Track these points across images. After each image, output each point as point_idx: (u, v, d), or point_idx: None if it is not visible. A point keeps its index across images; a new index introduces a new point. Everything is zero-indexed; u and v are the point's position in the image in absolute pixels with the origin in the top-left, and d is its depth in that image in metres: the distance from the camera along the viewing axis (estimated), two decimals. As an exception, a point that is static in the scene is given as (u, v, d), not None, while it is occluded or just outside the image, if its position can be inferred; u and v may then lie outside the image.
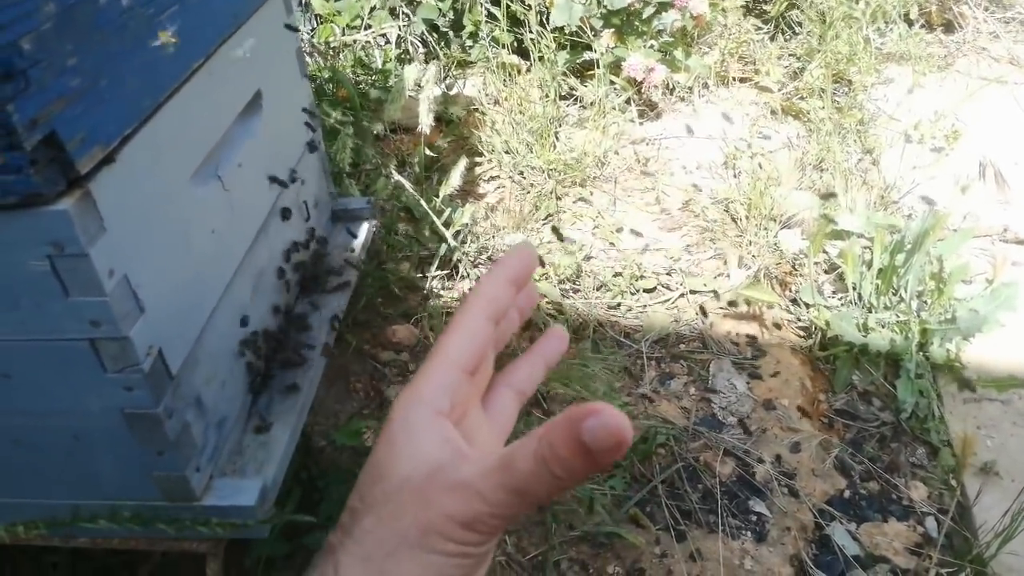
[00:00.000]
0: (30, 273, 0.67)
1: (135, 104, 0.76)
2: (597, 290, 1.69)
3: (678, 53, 2.26)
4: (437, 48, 2.36)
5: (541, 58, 2.23)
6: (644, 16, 2.21)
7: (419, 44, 2.38)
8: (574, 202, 1.95)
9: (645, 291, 1.70)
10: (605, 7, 2.19)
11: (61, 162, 0.65)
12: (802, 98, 2.33)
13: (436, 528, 0.33)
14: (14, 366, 0.74)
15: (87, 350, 0.72)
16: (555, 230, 1.67)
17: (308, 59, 2.21)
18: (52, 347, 0.72)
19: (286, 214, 1.15)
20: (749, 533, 1.24)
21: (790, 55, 2.55)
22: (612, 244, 1.82)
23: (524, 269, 0.41)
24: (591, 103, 2.21)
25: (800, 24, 2.59)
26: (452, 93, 2.25)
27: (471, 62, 2.38)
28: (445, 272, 1.69)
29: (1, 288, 0.69)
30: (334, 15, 2.39)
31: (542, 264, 1.69)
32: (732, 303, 1.66)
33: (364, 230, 1.39)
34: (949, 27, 2.74)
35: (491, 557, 0.37)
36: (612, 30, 2.22)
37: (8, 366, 0.74)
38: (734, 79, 2.42)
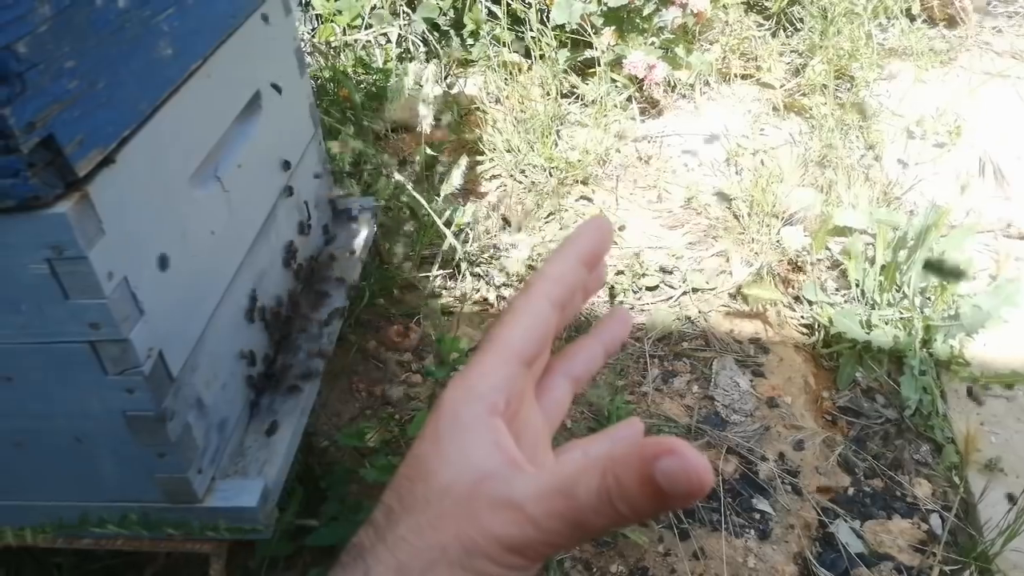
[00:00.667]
0: (30, 276, 0.67)
1: (133, 106, 0.76)
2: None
3: (679, 50, 2.26)
4: (438, 47, 2.35)
5: (542, 56, 2.23)
6: (645, 13, 2.21)
7: (420, 43, 2.38)
8: (576, 200, 1.95)
9: (647, 289, 1.69)
10: (605, 4, 2.19)
11: (59, 165, 0.65)
12: (804, 94, 2.32)
13: (480, 549, 0.30)
14: (16, 369, 0.74)
15: (88, 352, 0.72)
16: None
17: (309, 59, 2.21)
18: (53, 350, 0.72)
19: (303, 228, 1.15)
20: (753, 531, 1.24)
21: (792, 51, 2.54)
22: (614, 242, 1.81)
23: (599, 246, 0.37)
24: (592, 101, 2.21)
25: (802, 20, 2.58)
26: (453, 92, 2.25)
27: (472, 61, 2.38)
28: (447, 271, 1.69)
29: (2, 291, 0.69)
30: (335, 14, 2.39)
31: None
32: (735, 300, 1.66)
33: (365, 229, 1.39)
34: (951, 22, 2.73)
35: None
36: (613, 27, 2.21)
37: (10, 369, 0.74)
38: (736, 76, 2.41)
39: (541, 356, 0.38)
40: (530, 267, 1.68)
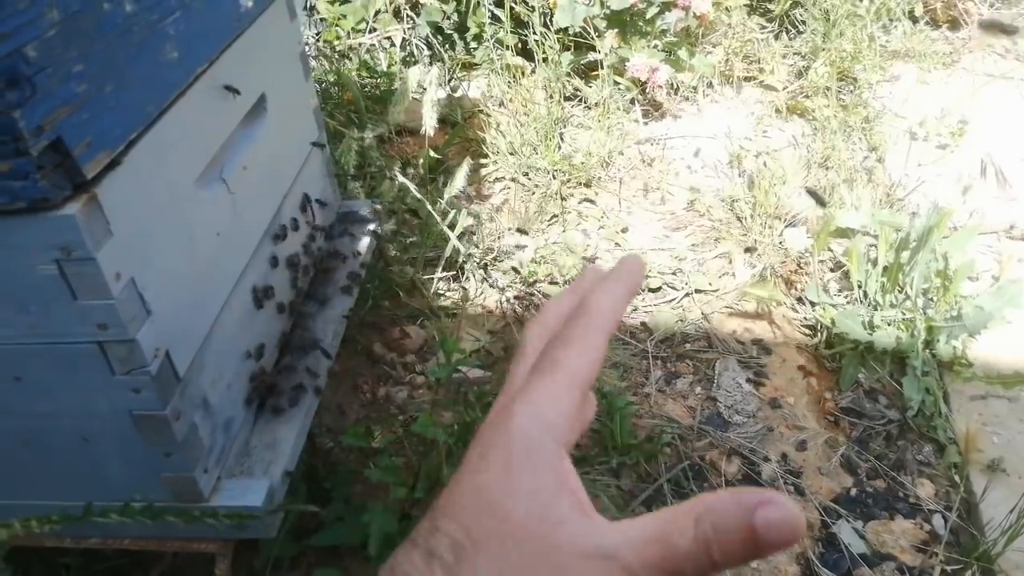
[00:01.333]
0: (39, 277, 0.68)
1: (140, 109, 0.77)
2: (602, 290, 1.69)
3: (682, 53, 2.26)
4: (441, 50, 2.36)
5: (545, 59, 2.23)
6: (648, 16, 2.22)
7: (424, 46, 2.39)
8: (579, 203, 1.96)
9: (650, 291, 1.70)
10: (608, 7, 2.19)
11: (67, 167, 0.65)
12: (807, 96, 2.33)
13: None
14: (25, 369, 0.75)
15: (95, 352, 0.73)
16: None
17: (313, 62, 2.22)
18: (61, 350, 0.73)
19: (307, 230, 1.16)
20: (755, 531, 1.24)
21: (795, 53, 2.55)
22: (617, 244, 1.82)
23: (637, 285, 0.38)
24: (595, 104, 2.21)
25: (804, 22, 2.59)
26: (456, 95, 2.26)
27: (475, 64, 2.39)
28: (450, 273, 1.69)
29: (11, 292, 0.70)
30: (339, 18, 2.40)
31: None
32: (738, 302, 1.66)
33: (369, 232, 1.39)
34: (954, 24, 2.73)
35: None
36: (616, 30, 2.22)
37: (19, 369, 0.75)
38: (739, 78, 2.42)
39: None
40: (533, 272, 1.69)
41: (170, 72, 0.83)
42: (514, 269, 1.71)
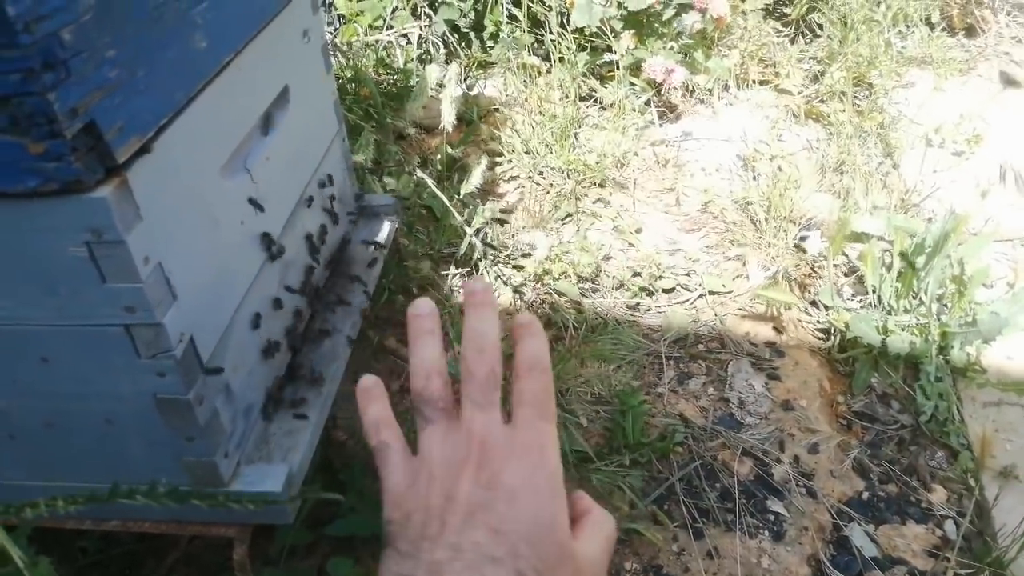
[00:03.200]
0: (69, 259, 0.69)
1: (169, 96, 0.78)
2: (616, 290, 1.69)
3: (698, 55, 2.27)
4: (458, 48, 2.37)
5: (561, 59, 2.24)
6: (664, 17, 2.22)
7: (440, 44, 2.40)
8: (593, 202, 1.96)
9: (664, 291, 1.70)
10: (625, 8, 2.20)
11: (100, 151, 0.66)
12: (822, 101, 2.33)
13: None
14: (51, 350, 0.76)
15: (122, 335, 0.73)
16: None
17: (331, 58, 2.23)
18: (88, 332, 0.74)
19: (326, 223, 1.17)
20: (767, 532, 1.25)
21: (811, 58, 2.55)
22: (631, 244, 1.82)
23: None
24: (611, 104, 2.22)
25: (821, 27, 2.59)
26: (473, 93, 2.26)
27: (492, 63, 2.40)
28: (465, 270, 1.70)
29: (40, 274, 0.71)
30: (357, 15, 2.41)
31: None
32: (751, 304, 1.66)
33: (386, 227, 1.40)
34: (971, 31, 2.73)
35: None
36: (632, 31, 2.23)
37: (45, 350, 0.76)
38: (754, 81, 2.42)
39: None
40: (547, 271, 1.69)
41: (198, 60, 0.83)
42: (527, 267, 1.71)
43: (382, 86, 2.16)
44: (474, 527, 0.37)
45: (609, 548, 0.42)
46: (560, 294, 1.65)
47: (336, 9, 2.42)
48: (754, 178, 2.03)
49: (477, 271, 1.70)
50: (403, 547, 0.39)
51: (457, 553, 0.37)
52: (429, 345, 0.46)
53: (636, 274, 1.72)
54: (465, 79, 2.32)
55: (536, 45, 2.35)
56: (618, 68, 2.20)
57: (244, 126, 0.95)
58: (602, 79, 2.33)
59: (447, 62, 2.29)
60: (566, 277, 1.68)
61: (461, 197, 1.69)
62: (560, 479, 0.40)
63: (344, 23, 2.42)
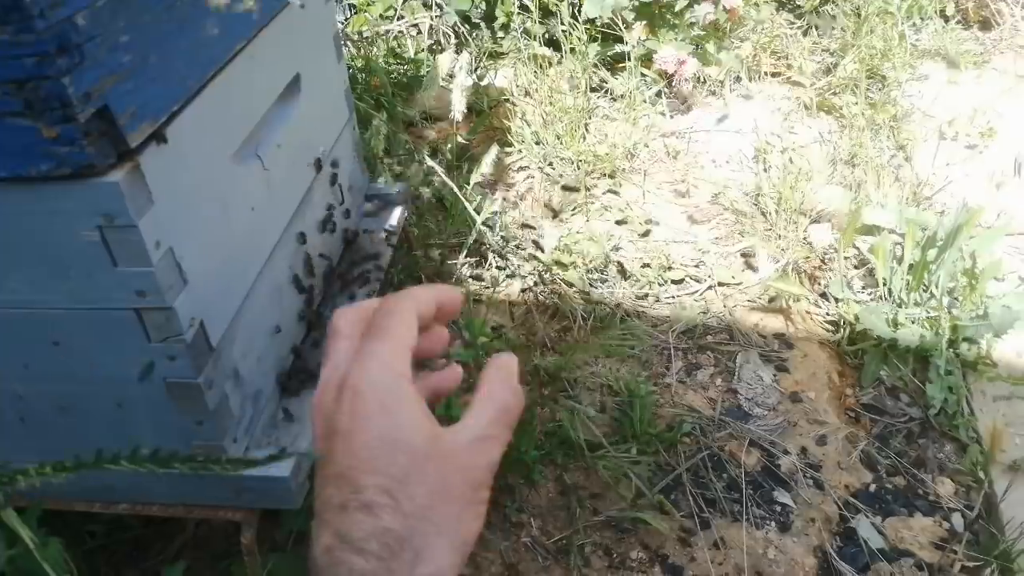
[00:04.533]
0: (81, 243, 0.69)
1: (182, 82, 0.78)
2: (625, 281, 1.69)
3: (710, 46, 2.26)
4: (469, 39, 2.37)
5: (572, 50, 2.23)
6: (676, 8, 2.21)
7: (451, 34, 2.40)
8: (603, 193, 1.96)
9: (673, 282, 1.70)
10: (637, -1, 2.19)
11: (112, 136, 0.67)
12: (835, 93, 2.31)
13: (482, 480, 0.38)
14: (63, 334, 0.77)
15: (133, 319, 0.74)
16: None
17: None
18: (99, 316, 0.74)
19: (337, 210, 1.17)
20: (773, 523, 1.25)
21: (823, 50, 2.53)
22: (641, 236, 1.82)
23: (450, 297, 0.45)
24: (621, 95, 2.21)
25: (834, 18, 2.57)
26: (483, 84, 2.26)
27: (502, 53, 2.39)
28: (474, 259, 1.70)
29: (53, 258, 0.71)
30: (368, 5, 2.41)
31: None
32: (761, 295, 1.66)
33: (396, 215, 1.40)
34: (986, 24, 2.70)
35: None
36: (644, 22, 2.22)
37: (57, 334, 0.77)
38: (766, 73, 2.41)
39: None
40: (556, 261, 1.69)
41: (211, 47, 0.84)
42: (537, 257, 1.71)
43: (392, 76, 2.16)
44: (344, 455, 0.38)
45: (503, 419, 0.40)
46: (569, 284, 1.65)
47: (347, -1, 2.42)
48: (765, 170, 2.02)
49: (485, 260, 1.70)
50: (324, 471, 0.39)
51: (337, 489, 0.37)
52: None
53: (645, 265, 1.72)
54: (476, 69, 2.32)
55: (547, 36, 2.34)
56: (629, 59, 2.19)
57: (255, 113, 0.95)
58: (613, 70, 2.33)
59: (458, 52, 2.29)
60: (575, 268, 1.68)
61: (471, 187, 1.69)
62: (395, 386, 0.38)
63: (355, 13, 2.42)
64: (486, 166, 1.62)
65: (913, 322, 1.51)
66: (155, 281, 0.71)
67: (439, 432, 0.38)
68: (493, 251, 1.69)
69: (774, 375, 1.49)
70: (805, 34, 2.58)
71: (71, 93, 0.62)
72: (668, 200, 1.96)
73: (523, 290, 1.65)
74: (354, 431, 0.37)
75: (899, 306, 1.56)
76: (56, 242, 0.70)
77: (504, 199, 1.79)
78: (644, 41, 2.21)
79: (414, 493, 0.36)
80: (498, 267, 1.69)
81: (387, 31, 2.39)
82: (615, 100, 2.25)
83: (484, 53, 2.38)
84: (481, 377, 0.43)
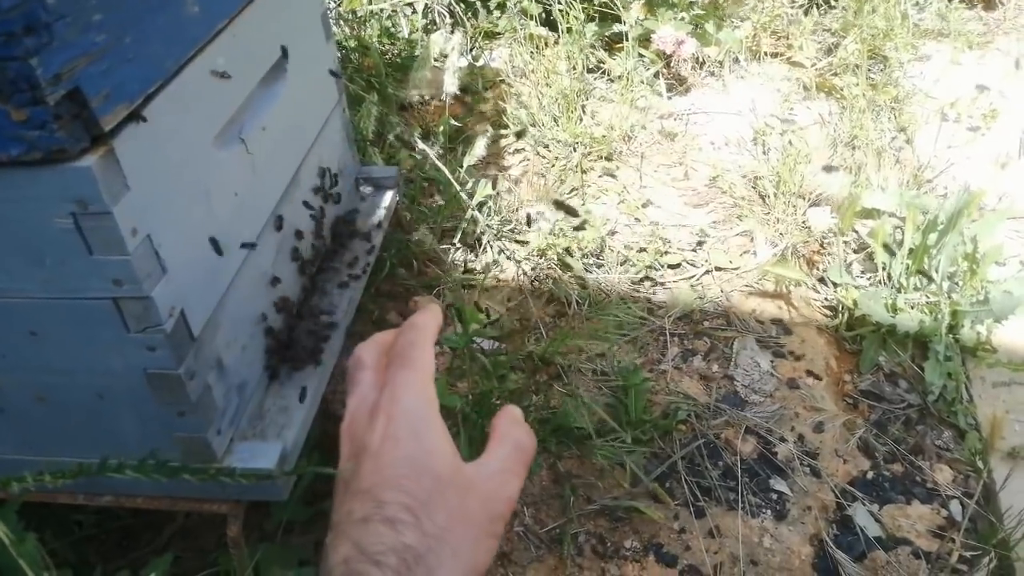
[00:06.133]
0: (55, 231, 0.67)
1: (159, 63, 0.75)
2: (621, 265, 1.67)
3: (709, 26, 2.22)
4: (464, 18, 2.33)
5: (569, 30, 2.20)
6: (675, -13, 2.17)
7: (446, 14, 2.36)
8: (600, 176, 1.93)
9: (670, 267, 1.68)
10: (635, -22, 2.15)
11: (85, 119, 0.64)
12: (835, 74, 2.28)
13: (500, 512, 0.42)
14: (40, 323, 0.75)
15: (110, 309, 0.72)
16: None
17: (334, 27, 2.19)
18: (76, 305, 0.72)
19: (326, 195, 1.14)
20: (769, 511, 1.23)
21: (824, 30, 2.49)
22: (637, 219, 1.80)
23: (439, 317, 0.50)
24: (619, 76, 2.18)
25: (835, -2, 2.53)
26: (478, 64, 2.23)
27: (498, 33, 2.35)
28: (468, 244, 1.68)
29: (27, 246, 0.69)
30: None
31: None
32: (758, 280, 1.64)
33: (387, 199, 1.38)
34: (989, 4, 2.67)
35: None
36: (642, 1, 2.18)
37: (34, 323, 0.75)
38: (766, 54, 2.37)
39: None
40: (551, 245, 1.67)
41: (190, 26, 0.81)
42: (531, 241, 1.69)
43: (386, 56, 2.12)
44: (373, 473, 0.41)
45: (519, 458, 0.44)
46: (564, 269, 1.63)
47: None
48: (764, 152, 1.99)
49: (480, 244, 1.68)
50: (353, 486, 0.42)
51: (365, 504, 0.40)
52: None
53: (642, 249, 1.70)
54: (471, 49, 2.28)
55: (544, 15, 2.31)
56: (627, 39, 2.15)
57: (239, 95, 0.92)
58: (610, 50, 2.29)
59: (452, 32, 2.25)
60: (570, 252, 1.66)
61: (464, 170, 1.66)
62: (426, 414, 0.42)
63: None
64: (480, 148, 1.59)
65: (912, 307, 1.49)
66: (132, 270, 0.69)
67: (462, 463, 0.42)
68: (487, 235, 1.67)
69: (771, 361, 1.48)
70: (806, 14, 2.54)
71: (39, 75, 0.59)
72: (665, 183, 1.93)
73: (517, 275, 1.63)
74: (383, 452, 0.41)
75: (898, 291, 1.54)
76: (30, 230, 0.68)
77: (498, 182, 1.76)
78: (642, 21, 2.17)
79: (435, 515, 0.39)
80: (492, 251, 1.67)
81: (380, 10, 2.35)
82: (612, 81, 2.22)
83: (479, 33, 2.35)
84: (493, 424, 0.47)
